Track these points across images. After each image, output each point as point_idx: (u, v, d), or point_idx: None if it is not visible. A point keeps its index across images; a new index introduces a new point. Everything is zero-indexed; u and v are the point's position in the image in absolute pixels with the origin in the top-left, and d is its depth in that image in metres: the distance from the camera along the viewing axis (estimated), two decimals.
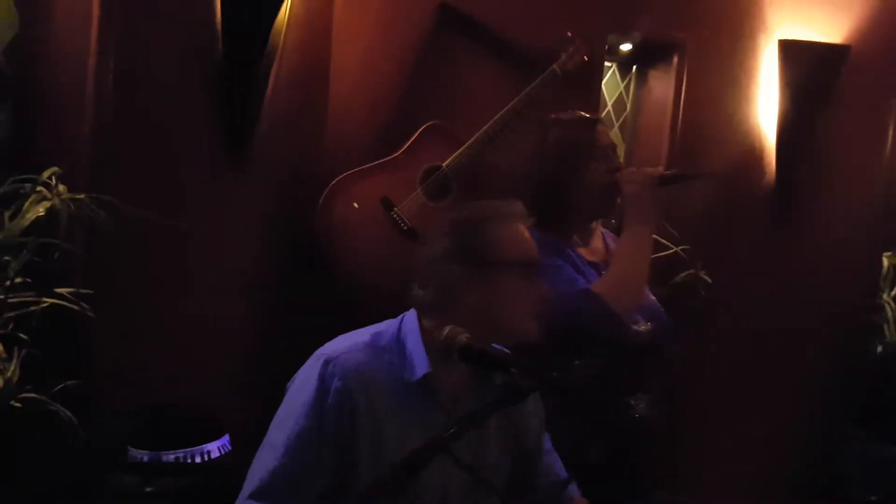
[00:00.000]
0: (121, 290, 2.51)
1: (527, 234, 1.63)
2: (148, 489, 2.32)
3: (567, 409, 1.87)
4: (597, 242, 2.19)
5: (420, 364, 1.54)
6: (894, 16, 3.70)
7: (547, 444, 1.78)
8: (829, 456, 3.76)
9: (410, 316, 1.60)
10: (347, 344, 1.57)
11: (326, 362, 1.52)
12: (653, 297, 2.16)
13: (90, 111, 2.49)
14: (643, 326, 2.04)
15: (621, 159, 3.61)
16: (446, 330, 1.47)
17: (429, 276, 1.57)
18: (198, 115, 2.70)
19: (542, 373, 1.41)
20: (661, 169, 2.07)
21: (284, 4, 2.70)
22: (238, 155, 2.76)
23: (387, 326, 1.62)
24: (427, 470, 1.28)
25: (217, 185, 2.75)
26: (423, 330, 1.57)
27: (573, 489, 1.75)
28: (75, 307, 2.32)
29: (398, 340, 1.58)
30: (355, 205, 2.89)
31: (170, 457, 2.39)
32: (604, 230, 2.25)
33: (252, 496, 1.51)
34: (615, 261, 2.01)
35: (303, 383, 1.54)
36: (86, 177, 2.45)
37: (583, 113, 2.16)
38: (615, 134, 3.67)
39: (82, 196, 2.33)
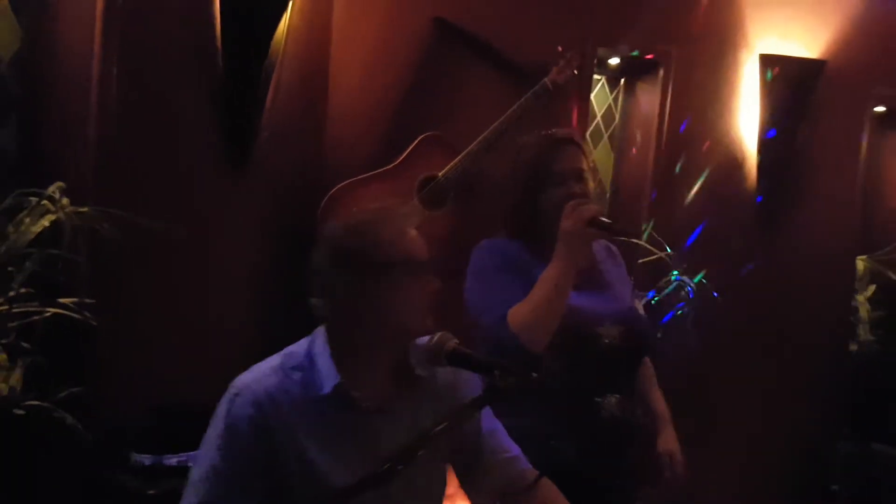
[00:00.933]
0: (123, 299, 2.56)
1: (410, 232, 1.60)
2: (151, 492, 2.37)
3: (537, 409, 1.91)
4: None
5: (329, 376, 1.54)
6: (867, 33, 3.85)
7: (491, 423, 1.78)
8: (814, 452, 3.89)
9: (320, 330, 1.60)
10: (256, 373, 1.56)
11: (235, 395, 1.52)
12: (629, 301, 2.20)
13: (94, 123, 2.54)
14: (609, 330, 2.07)
15: (609, 171, 3.74)
16: (437, 336, 1.51)
17: (320, 287, 1.57)
18: (200, 126, 2.75)
19: (522, 374, 1.44)
20: (594, 209, 2.02)
21: (283, 17, 2.76)
22: (239, 164, 2.82)
23: (298, 346, 1.61)
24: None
25: (219, 192, 2.80)
26: (330, 341, 1.57)
27: (523, 463, 1.78)
28: (78, 316, 2.36)
29: (309, 357, 1.57)
30: (349, 211, 2.94)
31: (172, 460, 2.44)
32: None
33: None
34: (533, 291, 2.00)
35: (216, 419, 1.54)
36: (90, 187, 2.50)
37: (559, 133, 2.16)
38: (604, 145, 3.76)
39: (86, 209, 2.37)
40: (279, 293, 2.96)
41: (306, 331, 2.77)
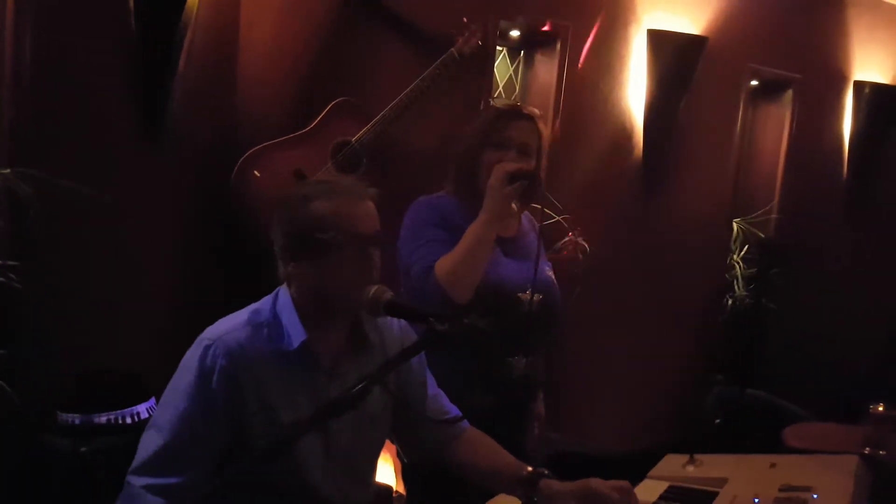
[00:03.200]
0: (46, 262, 2.56)
1: (355, 208, 1.65)
2: (83, 449, 2.41)
3: (451, 360, 2.03)
4: (512, 219, 2.34)
5: (296, 333, 1.63)
6: (744, 13, 4.18)
7: (432, 387, 1.90)
8: (697, 394, 4.25)
9: (283, 289, 1.69)
10: (226, 326, 1.65)
11: (207, 346, 1.60)
12: (548, 272, 2.35)
13: (8, 86, 2.51)
14: (529, 296, 2.21)
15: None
16: (373, 289, 1.61)
17: (279, 253, 1.67)
18: (114, 90, 2.76)
19: (456, 320, 1.56)
20: (514, 165, 2.17)
21: None
22: (153, 127, 2.83)
23: (263, 303, 1.70)
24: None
25: (134, 157, 2.81)
26: (294, 300, 1.66)
27: (464, 424, 1.91)
28: (2, 279, 2.36)
29: (274, 314, 1.66)
30: (263, 175, 2.99)
31: (101, 419, 2.49)
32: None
33: (136, 472, 1.59)
34: (459, 243, 2.14)
35: (186, 368, 1.61)
36: (7, 153, 2.48)
37: (525, 108, 2.29)
38: None
39: (7, 171, 2.37)
40: (198, 256, 3.02)
41: (226, 292, 2.86)
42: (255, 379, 1.62)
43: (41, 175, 2.37)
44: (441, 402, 1.92)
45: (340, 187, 1.70)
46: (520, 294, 2.21)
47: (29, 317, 2.52)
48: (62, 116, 2.64)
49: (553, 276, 2.39)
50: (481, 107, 2.33)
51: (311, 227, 1.63)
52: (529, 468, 1.78)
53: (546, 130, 2.33)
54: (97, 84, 2.72)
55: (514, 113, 2.27)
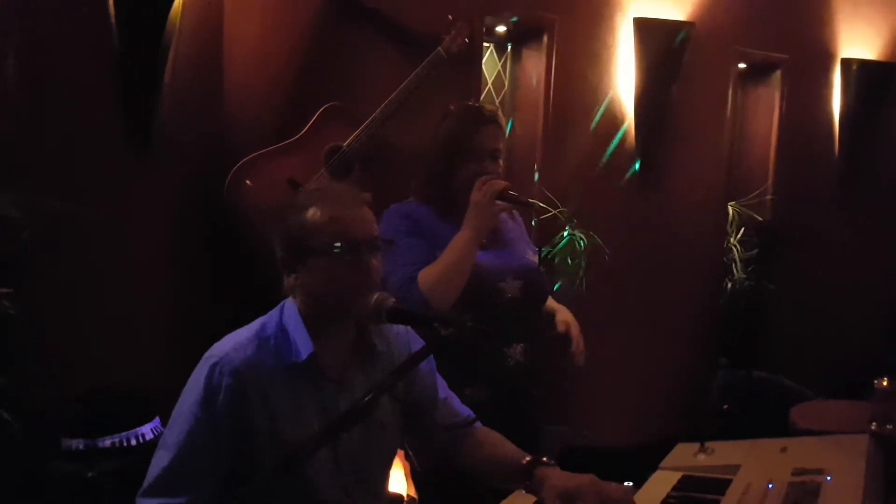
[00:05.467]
0: (40, 285, 2.52)
1: (348, 214, 1.64)
2: (89, 474, 2.39)
3: (448, 358, 1.99)
4: None
5: (304, 345, 1.63)
6: None
7: (443, 390, 1.90)
8: (702, 378, 4.24)
9: (289, 302, 1.69)
10: (233, 342, 1.65)
11: (214, 365, 1.60)
12: (528, 257, 2.38)
13: None
14: (511, 284, 2.24)
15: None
16: (375, 296, 1.61)
17: (280, 264, 1.68)
18: (100, 105, 2.72)
19: (459, 323, 1.54)
20: (503, 184, 2.21)
21: None
22: (141, 143, 2.80)
23: (270, 317, 1.70)
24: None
25: (124, 172, 2.78)
26: (300, 312, 1.66)
27: (477, 425, 1.91)
28: None
29: (282, 327, 1.66)
30: (256, 184, 2.97)
31: (106, 442, 2.47)
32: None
33: (144, 493, 1.59)
34: (443, 255, 2.17)
35: (193, 386, 1.61)
36: None
37: (485, 111, 2.30)
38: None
39: None
40: (194, 269, 2.99)
41: (224, 303, 2.83)
42: (263, 394, 1.61)
43: (31, 198, 2.34)
44: (452, 404, 1.91)
45: (333, 194, 1.70)
46: (500, 283, 2.24)
47: (26, 343, 2.48)
48: (49, 135, 2.60)
49: (535, 260, 2.41)
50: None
51: (306, 236, 1.63)
52: (528, 457, 1.75)
53: (506, 130, 2.34)
54: (83, 100, 2.68)
55: (482, 118, 2.28)
